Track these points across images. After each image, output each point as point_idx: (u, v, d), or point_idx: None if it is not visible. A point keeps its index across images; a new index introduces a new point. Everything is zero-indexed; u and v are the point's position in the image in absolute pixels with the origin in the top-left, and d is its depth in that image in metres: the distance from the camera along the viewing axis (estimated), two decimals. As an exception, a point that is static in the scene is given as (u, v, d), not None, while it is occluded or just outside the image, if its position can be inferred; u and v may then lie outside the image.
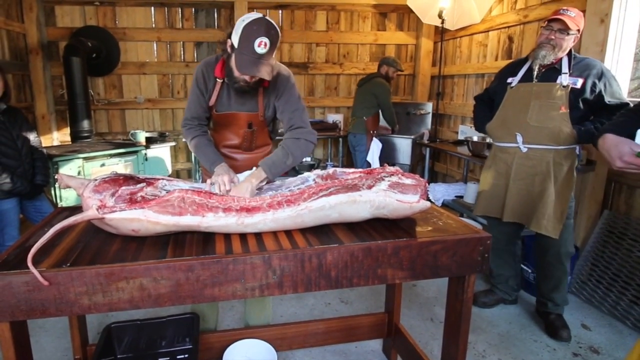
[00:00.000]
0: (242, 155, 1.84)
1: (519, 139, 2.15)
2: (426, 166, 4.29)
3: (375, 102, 3.91)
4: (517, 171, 2.19)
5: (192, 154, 4.07)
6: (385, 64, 4.02)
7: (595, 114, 2.07)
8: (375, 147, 3.95)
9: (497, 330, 2.29)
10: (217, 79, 1.68)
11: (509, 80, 2.22)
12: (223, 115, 1.75)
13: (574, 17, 1.98)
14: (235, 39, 1.48)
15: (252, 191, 1.44)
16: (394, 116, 4.01)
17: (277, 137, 1.96)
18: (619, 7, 2.46)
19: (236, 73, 1.53)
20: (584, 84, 2.00)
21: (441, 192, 3.82)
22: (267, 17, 1.48)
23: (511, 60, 2.42)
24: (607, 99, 1.98)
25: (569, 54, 2.07)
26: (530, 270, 2.62)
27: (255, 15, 1.48)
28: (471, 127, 3.76)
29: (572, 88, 2.02)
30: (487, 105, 2.42)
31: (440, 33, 4.13)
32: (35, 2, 4.02)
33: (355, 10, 4.77)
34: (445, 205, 3.66)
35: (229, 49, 1.55)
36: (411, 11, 4.38)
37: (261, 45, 1.42)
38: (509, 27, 3.57)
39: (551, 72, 2.08)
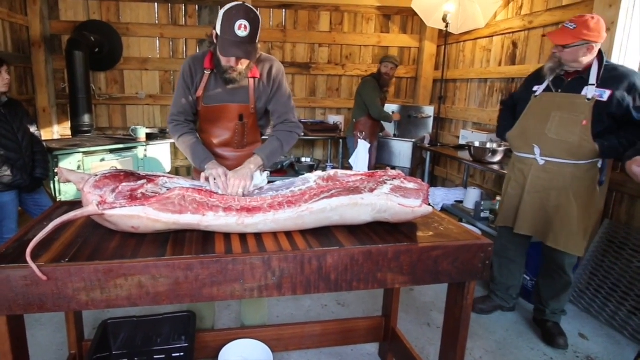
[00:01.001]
0: (233, 154, 1.81)
1: (537, 151, 2.08)
2: (426, 170, 4.29)
3: (362, 102, 3.83)
4: (533, 183, 2.12)
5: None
6: (380, 62, 3.92)
7: (621, 127, 1.97)
8: (362, 149, 3.84)
9: (494, 337, 2.28)
10: (205, 71, 1.68)
11: (535, 88, 2.14)
12: (212, 107, 1.72)
13: (572, 30, 1.89)
14: (218, 27, 1.52)
15: (251, 176, 1.49)
16: (382, 111, 3.84)
17: (263, 137, 1.95)
18: (625, 15, 2.46)
19: (223, 61, 1.58)
20: (611, 97, 1.89)
21: (441, 196, 3.81)
22: (247, 4, 1.51)
23: (542, 65, 2.28)
24: (635, 114, 1.88)
25: (600, 62, 1.95)
26: (529, 278, 2.62)
27: (235, 2, 1.51)
28: (473, 132, 3.76)
29: (597, 101, 1.91)
30: (510, 112, 2.35)
31: (444, 37, 4.13)
32: (39, -6, 4.02)
33: (359, 12, 4.77)
34: (444, 210, 3.66)
35: (215, 40, 1.58)
36: (415, 14, 4.38)
37: (241, 28, 1.46)
38: (513, 32, 3.57)
39: (577, 82, 1.98)
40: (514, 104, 2.34)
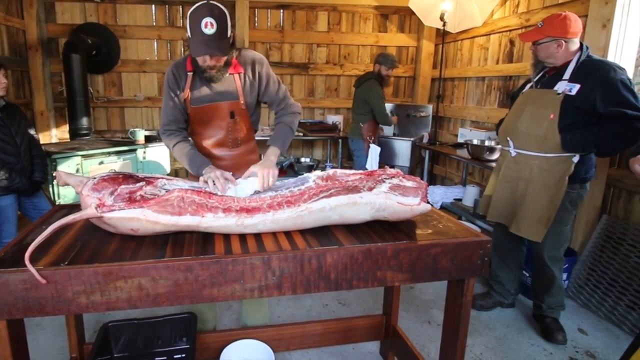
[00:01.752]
0: (229, 153, 1.81)
1: (510, 143, 2.19)
2: (425, 168, 4.29)
3: (369, 107, 3.80)
4: (504, 174, 2.24)
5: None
6: (377, 62, 3.81)
7: (598, 121, 1.95)
8: (374, 153, 3.87)
9: (495, 333, 2.29)
10: (188, 73, 1.68)
11: (527, 85, 2.23)
12: (202, 108, 1.72)
13: (540, 28, 2.00)
14: (188, 30, 1.52)
15: (275, 166, 1.57)
16: (388, 117, 3.86)
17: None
18: (621, 13, 2.47)
19: (199, 61, 1.59)
20: (579, 91, 1.91)
21: (440, 194, 3.82)
22: (212, 1, 1.51)
23: None
24: (600, 106, 1.86)
25: (579, 57, 1.98)
26: (528, 275, 2.63)
27: (199, 2, 1.51)
28: (471, 130, 3.77)
29: (566, 95, 1.95)
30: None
31: (442, 35, 4.13)
32: (35, -2, 4.01)
33: (357, 12, 4.77)
34: (443, 208, 3.66)
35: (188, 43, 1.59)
36: (413, 13, 4.39)
37: (207, 25, 1.46)
38: (510, 30, 3.57)
39: (554, 78, 2.05)
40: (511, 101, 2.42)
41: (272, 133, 1.78)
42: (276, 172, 1.51)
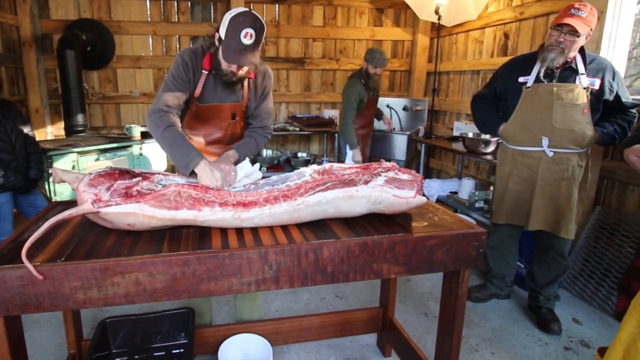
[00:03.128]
0: (222, 150, 1.81)
1: (545, 142, 2.06)
2: (421, 162, 4.31)
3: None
4: (544, 176, 2.11)
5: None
6: (365, 58, 3.49)
7: (607, 113, 2.05)
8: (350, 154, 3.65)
9: (490, 324, 2.31)
10: (204, 71, 1.67)
11: (522, 79, 2.12)
12: (207, 107, 1.72)
13: (585, 18, 1.89)
14: (222, 31, 1.53)
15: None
16: (346, 127, 3.47)
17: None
18: (614, 5, 2.47)
19: (224, 65, 1.58)
20: (601, 85, 1.98)
21: (436, 188, 3.83)
22: (253, 11, 1.52)
23: (512, 57, 2.31)
24: (624, 100, 1.99)
25: (582, 52, 2.01)
26: (523, 266, 2.65)
27: (242, 9, 1.53)
28: (466, 123, 3.78)
29: (591, 89, 1.98)
30: (491, 105, 2.32)
31: (437, 29, 4.13)
32: (28, -7, 3.97)
33: (352, 6, 4.75)
34: (439, 201, 3.68)
35: (217, 42, 1.59)
36: (408, 7, 4.38)
37: (247, 35, 1.47)
38: (504, 23, 3.57)
39: (568, 72, 2.01)
40: (495, 96, 2.29)
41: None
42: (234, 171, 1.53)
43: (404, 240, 1.22)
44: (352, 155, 3.54)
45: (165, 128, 1.57)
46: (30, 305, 1.01)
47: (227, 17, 1.51)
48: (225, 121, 1.78)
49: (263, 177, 1.54)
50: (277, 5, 4.63)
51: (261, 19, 1.53)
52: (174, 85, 1.64)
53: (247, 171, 1.53)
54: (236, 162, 1.65)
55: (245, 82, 1.74)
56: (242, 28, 1.46)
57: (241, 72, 1.62)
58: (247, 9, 1.53)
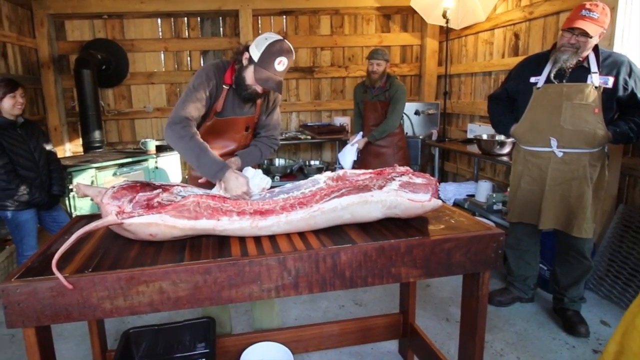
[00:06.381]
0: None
1: (554, 143, 2.06)
2: (436, 166, 4.28)
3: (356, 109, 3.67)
4: (554, 176, 2.10)
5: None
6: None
7: (624, 111, 2.02)
8: (346, 151, 3.58)
9: (515, 328, 2.27)
10: (224, 86, 1.73)
11: (533, 80, 2.11)
12: (224, 120, 1.78)
13: (597, 19, 1.86)
14: (255, 53, 1.60)
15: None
16: (355, 123, 3.64)
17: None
18: (626, 1, 2.44)
19: (249, 82, 1.65)
20: (615, 83, 1.94)
21: (452, 191, 3.80)
22: (286, 40, 1.62)
23: (526, 57, 2.30)
24: (639, 96, 1.94)
25: (596, 50, 1.98)
26: (546, 268, 2.60)
27: (277, 36, 1.61)
28: (480, 125, 3.75)
29: (604, 88, 1.94)
30: (505, 106, 2.32)
31: (445, 32, 4.13)
32: (46, 17, 4.12)
33: (359, 13, 4.79)
34: (456, 204, 3.64)
35: (245, 61, 1.65)
36: (415, 12, 4.39)
37: (281, 63, 1.58)
38: (514, 24, 3.56)
39: (580, 72, 1.99)
40: (508, 97, 2.30)
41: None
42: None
43: (421, 244, 1.22)
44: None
45: (190, 138, 1.58)
46: (60, 316, 1.04)
47: (263, 42, 1.58)
48: (239, 134, 1.84)
49: (278, 186, 1.56)
50: (284, 16, 4.70)
51: (292, 47, 1.62)
52: (197, 98, 1.66)
53: (258, 182, 1.54)
54: (239, 170, 1.65)
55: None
56: (277, 56, 1.56)
57: (264, 93, 1.71)
58: (281, 37, 1.61)
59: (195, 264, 1.10)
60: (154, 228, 1.17)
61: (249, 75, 1.64)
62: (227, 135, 1.83)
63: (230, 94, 1.75)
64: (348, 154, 3.53)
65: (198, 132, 1.70)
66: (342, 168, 3.55)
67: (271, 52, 1.56)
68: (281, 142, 4.49)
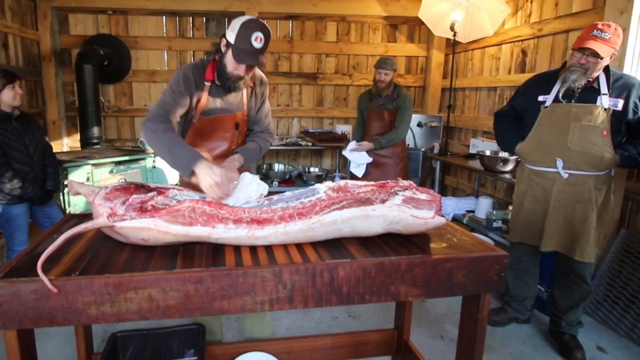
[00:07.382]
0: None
1: (559, 164, 2.03)
2: (436, 179, 4.25)
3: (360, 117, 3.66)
4: (558, 198, 2.06)
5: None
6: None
7: (633, 135, 1.98)
8: (352, 156, 3.56)
9: (510, 350, 2.22)
10: (206, 82, 1.71)
11: (541, 98, 2.08)
12: (211, 119, 1.75)
13: (609, 40, 1.83)
14: (231, 36, 1.59)
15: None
16: (357, 132, 3.65)
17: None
18: (638, 22, 2.43)
19: (230, 68, 1.63)
20: (625, 106, 1.91)
21: (452, 206, 3.77)
22: (260, 19, 1.62)
23: (535, 74, 2.28)
24: None
25: (607, 71, 1.95)
26: (543, 289, 2.56)
27: (249, 16, 1.63)
28: (483, 140, 3.73)
29: (613, 110, 1.91)
30: (512, 123, 2.29)
31: (452, 45, 4.12)
32: (49, 10, 4.09)
33: (366, 22, 4.79)
34: (455, 219, 3.61)
35: (223, 48, 1.64)
36: (422, 23, 4.38)
37: (257, 39, 1.55)
38: (522, 40, 3.55)
39: (589, 92, 1.96)
40: (515, 114, 2.27)
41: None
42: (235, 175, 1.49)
43: (423, 262, 1.18)
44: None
45: (163, 132, 1.52)
46: (43, 319, 1.00)
47: (237, 23, 1.58)
48: (229, 132, 1.81)
49: (276, 192, 1.51)
50: (290, 21, 4.69)
51: (268, 27, 1.61)
52: (172, 97, 1.63)
53: (257, 187, 1.48)
54: (241, 167, 1.68)
55: (245, 92, 1.80)
56: (253, 32, 1.54)
57: (246, 77, 1.67)
58: (254, 17, 1.62)
59: (188, 272, 1.05)
60: (146, 233, 1.13)
61: (229, 60, 1.61)
62: (216, 135, 1.79)
63: (213, 90, 1.72)
64: (361, 158, 3.50)
65: (176, 130, 1.68)
66: (355, 165, 3.55)
67: (246, 30, 1.54)
68: (281, 148, 4.53)
